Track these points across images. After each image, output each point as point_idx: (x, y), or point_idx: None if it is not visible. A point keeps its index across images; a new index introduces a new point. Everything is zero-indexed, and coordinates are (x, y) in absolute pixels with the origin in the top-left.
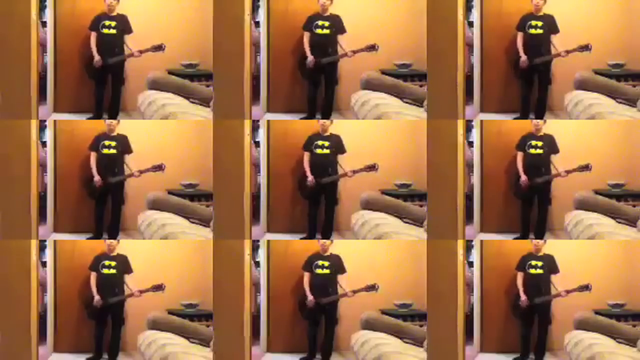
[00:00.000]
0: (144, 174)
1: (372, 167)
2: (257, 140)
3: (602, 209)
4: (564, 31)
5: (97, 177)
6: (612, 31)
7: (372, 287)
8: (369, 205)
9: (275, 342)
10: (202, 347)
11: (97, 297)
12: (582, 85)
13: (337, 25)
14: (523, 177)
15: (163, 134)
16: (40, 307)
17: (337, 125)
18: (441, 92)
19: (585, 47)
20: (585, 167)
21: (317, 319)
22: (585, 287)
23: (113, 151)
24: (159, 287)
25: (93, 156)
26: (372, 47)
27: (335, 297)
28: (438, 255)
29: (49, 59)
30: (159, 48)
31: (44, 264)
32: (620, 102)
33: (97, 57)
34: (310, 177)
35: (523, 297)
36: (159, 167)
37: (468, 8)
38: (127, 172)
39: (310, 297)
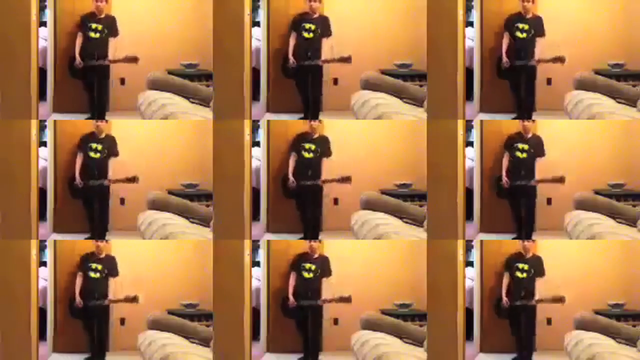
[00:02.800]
0: (116, 183)
1: (346, 179)
2: (257, 140)
3: (602, 209)
4: (564, 31)
5: (78, 180)
6: (612, 31)
7: (346, 299)
8: (369, 205)
9: (275, 342)
10: (202, 347)
11: (78, 299)
12: (582, 85)
13: (323, 29)
14: (504, 180)
15: (163, 134)
16: (40, 307)
17: (338, 126)
18: (441, 92)
19: (559, 59)
20: (560, 180)
21: (301, 319)
22: (560, 300)
23: (97, 155)
24: (134, 299)
25: (79, 157)
26: (347, 59)
27: (314, 302)
28: (438, 255)
29: (49, 59)
30: (133, 60)
31: (44, 264)
32: (620, 102)
33: (78, 60)
34: (291, 179)
35: (504, 299)
36: (133, 179)
37: (468, 8)
38: (108, 178)
39: (291, 299)
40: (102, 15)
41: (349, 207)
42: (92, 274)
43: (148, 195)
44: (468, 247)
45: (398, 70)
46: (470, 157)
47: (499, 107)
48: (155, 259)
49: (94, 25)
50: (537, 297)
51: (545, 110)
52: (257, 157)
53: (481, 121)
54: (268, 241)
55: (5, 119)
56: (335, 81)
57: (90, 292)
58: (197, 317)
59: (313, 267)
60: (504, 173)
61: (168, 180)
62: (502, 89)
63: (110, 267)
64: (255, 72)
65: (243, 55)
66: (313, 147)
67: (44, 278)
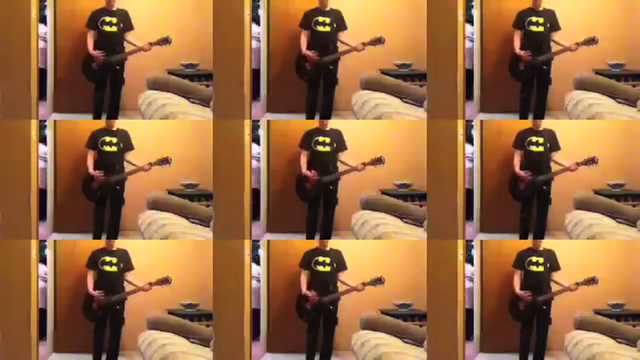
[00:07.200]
0: (152, 167)
1: (378, 161)
2: (257, 140)
3: (602, 209)
4: (564, 31)
5: (97, 173)
6: (612, 31)
7: (378, 280)
8: (369, 205)
9: (275, 342)
10: (202, 347)
11: (97, 294)
12: (582, 85)
13: (338, 22)
14: (523, 174)
15: (163, 134)
16: (39, 307)
17: (337, 126)
18: (441, 92)
19: (592, 41)
20: (592, 161)
21: (318, 319)
22: (592, 281)
23: (114, 148)
24: (165, 281)
25: (91, 155)
26: (378, 40)
27: (337, 295)
28: (438, 255)
29: (49, 59)
30: (165, 41)
31: (44, 264)
32: (620, 102)
33: (97, 54)
34: (312, 173)
35: (526, 294)
36: (165, 161)
37: (468, 8)
38: (132, 168)
39: (311, 294)
40: (115, 9)
41: (349, 207)
42: (107, 268)
43: (148, 195)
44: (468, 247)
45: (398, 70)
46: (470, 157)
47: (499, 107)
48: (155, 259)
49: (107, 19)
50: (564, 286)
51: (545, 110)
52: (257, 157)
53: (481, 121)
54: (268, 241)
55: (5, 119)
56: (336, 81)
57: (109, 287)
58: (197, 317)
59: (327, 259)
60: (518, 170)
61: (168, 180)
62: (503, 88)
63: (126, 260)
64: (255, 72)
65: (243, 55)
66: (328, 140)
67: (44, 278)
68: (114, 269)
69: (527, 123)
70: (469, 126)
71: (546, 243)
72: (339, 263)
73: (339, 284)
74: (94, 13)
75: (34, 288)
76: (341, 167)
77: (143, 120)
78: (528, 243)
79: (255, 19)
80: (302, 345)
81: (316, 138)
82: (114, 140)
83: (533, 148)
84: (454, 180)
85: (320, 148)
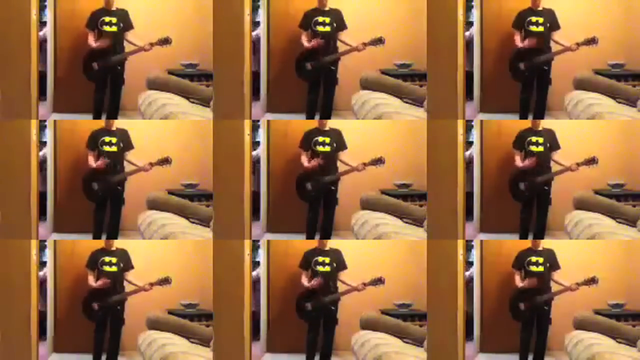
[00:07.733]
0: (153, 167)
1: (379, 161)
2: (257, 140)
3: (602, 209)
4: (564, 31)
5: (102, 162)
6: (612, 31)
7: (379, 281)
8: (369, 205)
9: (275, 342)
10: (202, 347)
11: (102, 282)
12: (582, 85)
13: (338, 21)
14: (527, 163)
15: (163, 134)
16: (40, 307)
17: (337, 126)
18: (441, 92)
19: (592, 41)
20: (592, 161)
21: (318, 319)
22: (592, 281)
23: (114, 148)
24: (165, 281)
25: (91, 155)
26: (378, 40)
27: (337, 295)
28: (438, 255)
29: (49, 59)
30: (165, 41)
31: (44, 264)
32: (620, 102)
33: (101, 45)
34: (314, 162)
35: (530, 280)
36: (165, 161)
37: (468, 8)
38: (133, 168)
39: (316, 281)
40: (115, 9)
41: (349, 207)
42: (106, 268)
43: (148, 195)
44: (468, 247)
45: (398, 70)
46: (470, 157)
47: (499, 107)
48: (155, 259)
49: (107, 19)
50: (565, 285)
51: (545, 110)
52: (257, 157)
53: (481, 121)
54: (268, 241)
55: (5, 119)
56: (336, 81)
57: (108, 288)
58: (197, 317)
59: (327, 259)
60: (521, 164)
61: (168, 180)
62: (503, 88)
63: (125, 260)
64: (255, 72)
65: (243, 55)
66: (327, 140)
67: (44, 278)
68: (114, 269)
69: (527, 123)
70: (469, 126)
71: (546, 243)
72: (338, 263)
73: (339, 283)
74: (94, 13)
75: (33, 288)
76: (341, 167)
77: (143, 120)
78: (528, 243)
79: (255, 19)
80: (302, 345)
81: (316, 138)
82: (114, 140)
83: (533, 148)
84: (454, 180)
85: (320, 148)
